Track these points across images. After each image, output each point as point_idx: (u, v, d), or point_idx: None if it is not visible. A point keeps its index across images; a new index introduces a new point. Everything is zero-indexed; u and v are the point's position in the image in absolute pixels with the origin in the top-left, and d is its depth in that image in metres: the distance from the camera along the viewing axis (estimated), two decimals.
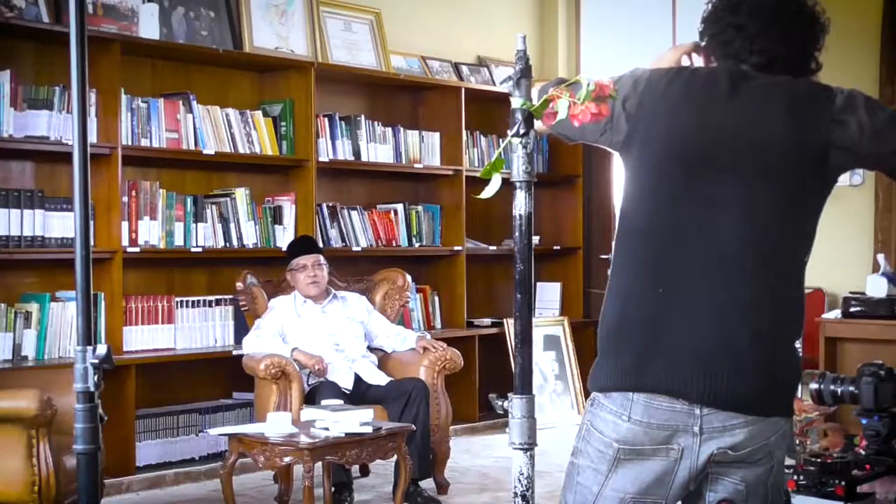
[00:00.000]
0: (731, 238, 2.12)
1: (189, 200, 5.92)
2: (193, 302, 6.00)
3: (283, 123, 6.38)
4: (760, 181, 2.13)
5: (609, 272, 2.23)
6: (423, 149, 7.13)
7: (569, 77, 2.17)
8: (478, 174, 6.63)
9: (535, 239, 5.44)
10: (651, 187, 2.16)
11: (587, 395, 2.25)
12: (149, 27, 5.79)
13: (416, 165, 7.06)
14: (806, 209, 2.17)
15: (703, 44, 2.29)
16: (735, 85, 2.17)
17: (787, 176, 2.13)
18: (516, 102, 1.97)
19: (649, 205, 2.16)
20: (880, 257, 6.12)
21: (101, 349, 2.02)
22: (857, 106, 2.15)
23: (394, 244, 6.97)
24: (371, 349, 5.64)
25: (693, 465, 2.13)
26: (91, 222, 2.55)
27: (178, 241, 5.86)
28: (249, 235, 6.18)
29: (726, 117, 2.15)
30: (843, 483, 3.83)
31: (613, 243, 2.26)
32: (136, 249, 5.63)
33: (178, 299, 5.92)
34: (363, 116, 6.83)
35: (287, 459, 4.44)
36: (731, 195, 2.12)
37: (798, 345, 2.22)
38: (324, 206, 6.59)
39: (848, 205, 6.94)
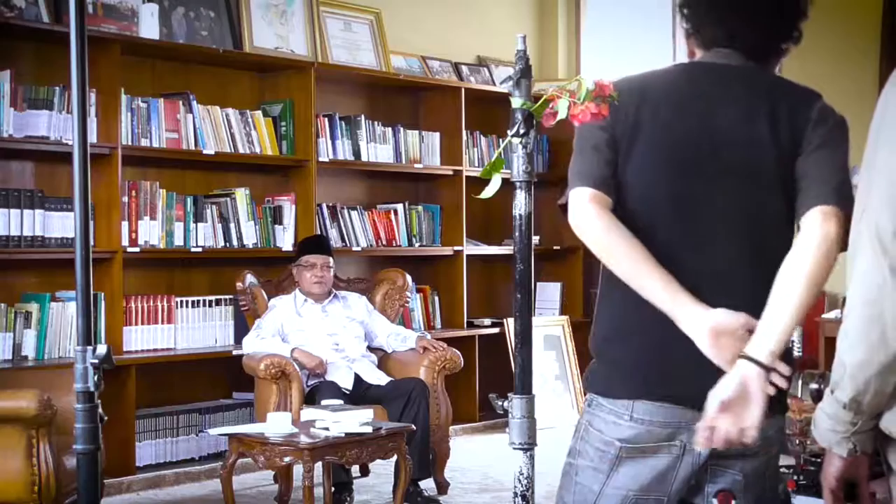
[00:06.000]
0: (724, 245, 2.12)
1: (189, 200, 5.92)
2: (193, 302, 6.00)
3: (283, 123, 6.38)
4: (750, 188, 2.13)
5: (601, 275, 2.22)
6: (423, 149, 7.13)
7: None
8: (478, 174, 6.63)
9: (535, 239, 5.44)
10: (642, 195, 2.16)
11: (587, 395, 2.24)
12: (149, 27, 5.79)
13: (416, 165, 7.06)
14: (793, 214, 2.17)
15: (683, 21, 2.28)
16: (717, 84, 2.17)
17: (776, 181, 2.13)
18: (516, 102, 1.97)
19: (641, 213, 2.16)
20: None
21: (101, 349, 2.02)
22: (826, 128, 2.13)
23: (394, 244, 6.97)
24: (371, 349, 5.64)
25: (695, 461, 2.14)
26: (91, 222, 2.55)
27: (178, 241, 5.86)
28: (249, 235, 6.18)
29: (712, 123, 2.14)
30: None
31: None
32: (136, 249, 5.63)
33: (178, 299, 5.92)
34: (363, 116, 6.83)
35: (287, 459, 4.44)
36: (723, 202, 2.13)
37: (795, 342, 2.23)
38: (324, 206, 6.59)
39: None
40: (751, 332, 2.05)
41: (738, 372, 2.03)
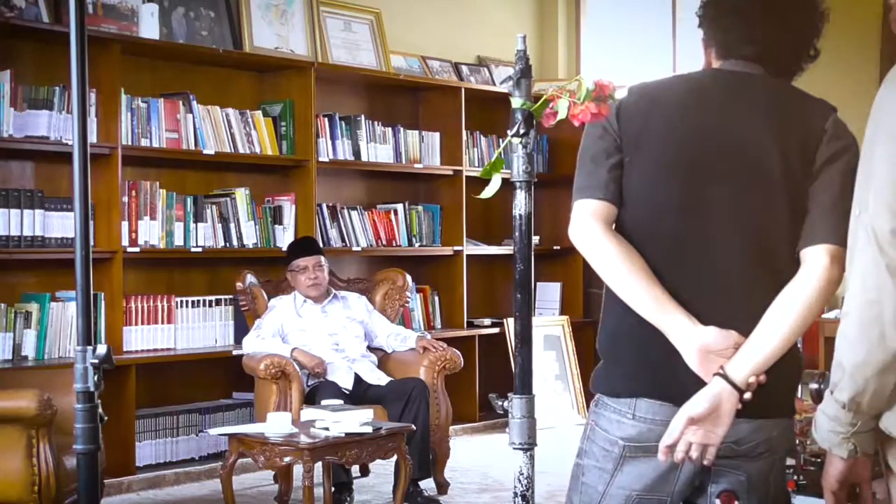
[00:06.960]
0: (729, 248, 2.13)
1: (189, 200, 5.92)
2: (193, 302, 6.00)
3: (283, 123, 6.38)
4: (756, 191, 2.13)
5: None
6: (423, 149, 7.13)
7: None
8: (478, 174, 6.63)
9: (535, 239, 5.44)
10: (648, 196, 2.16)
11: (587, 395, 2.25)
12: (149, 27, 5.79)
13: (416, 165, 7.06)
14: (800, 216, 2.16)
15: (703, 31, 2.29)
16: (731, 90, 2.17)
17: (782, 186, 2.13)
18: (516, 102, 1.98)
19: (647, 214, 2.16)
20: None
21: (101, 349, 2.02)
22: (841, 144, 2.13)
23: (394, 244, 6.97)
24: (371, 349, 5.64)
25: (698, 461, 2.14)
26: (91, 222, 2.55)
27: (178, 241, 5.86)
28: (249, 235, 6.18)
29: (721, 126, 2.15)
30: None
31: None
32: (136, 249, 5.63)
33: (178, 299, 5.92)
34: (363, 116, 6.83)
35: (287, 459, 4.44)
36: (728, 205, 2.13)
37: (799, 344, 2.23)
38: (324, 206, 6.59)
39: None
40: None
41: (712, 389, 2.06)
